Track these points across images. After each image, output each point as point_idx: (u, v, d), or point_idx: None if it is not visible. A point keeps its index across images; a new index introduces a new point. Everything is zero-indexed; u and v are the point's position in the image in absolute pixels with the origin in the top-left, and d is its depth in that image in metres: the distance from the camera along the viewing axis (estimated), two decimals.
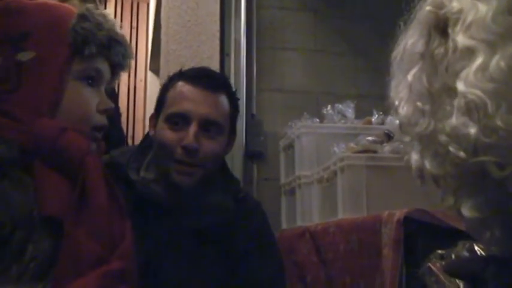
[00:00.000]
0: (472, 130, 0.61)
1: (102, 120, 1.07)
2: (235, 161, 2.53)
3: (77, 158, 0.95)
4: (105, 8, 5.54)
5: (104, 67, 1.07)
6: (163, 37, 2.64)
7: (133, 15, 5.59)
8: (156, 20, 4.00)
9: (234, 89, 1.48)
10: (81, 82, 1.03)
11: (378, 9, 2.91)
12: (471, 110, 0.61)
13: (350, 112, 2.45)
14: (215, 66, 2.46)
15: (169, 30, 2.49)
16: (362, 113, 2.50)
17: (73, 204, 0.92)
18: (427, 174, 0.71)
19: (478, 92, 0.60)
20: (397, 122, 0.78)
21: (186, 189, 1.33)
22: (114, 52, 1.07)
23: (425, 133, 0.69)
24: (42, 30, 1.00)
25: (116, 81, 1.19)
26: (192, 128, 1.32)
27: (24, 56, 0.98)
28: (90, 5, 1.08)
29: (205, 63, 2.44)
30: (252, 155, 2.67)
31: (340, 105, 2.47)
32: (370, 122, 2.38)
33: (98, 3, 2.96)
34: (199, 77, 1.40)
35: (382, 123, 2.31)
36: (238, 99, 1.50)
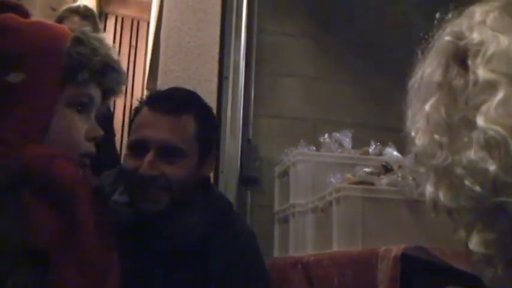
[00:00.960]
0: (492, 167, 0.59)
1: (90, 147, 1.03)
2: (229, 186, 2.50)
3: (67, 187, 0.92)
4: (105, 25, 5.56)
5: (96, 93, 1.04)
6: (161, 57, 2.62)
7: (133, 34, 5.61)
8: (155, 40, 4.00)
9: (205, 106, 1.43)
10: (71, 108, 0.99)
11: (378, 40, 2.91)
12: (491, 146, 0.60)
13: (347, 141, 2.43)
14: (213, 89, 2.45)
15: (168, 51, 2.48)
16: (359, 142, 2.47)
17: (60, 236, 0.88)
18: (441, 206, 0.70)
19: (499, 129, 0.59)
20: (413, 152, 0.76)
21: (155, 214, 1.30)
22: (108, 78, 1.04)
23: (442, 166, 0.68)
24: (35, 52, 0.96)
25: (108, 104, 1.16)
26: (149, 156, 1.29)
27: (14, 78, 0.94)
28: (87, 28, 1.05)
29: (203, 86, 2.42)
30: (247, 181, 2.63)
31: (337, 134, 2.44)
32: (367, 153, 2.35)
33: (98, 20, 2.96)
34: (160, 100, 1.37)
35: (380, 154, 2.29)
36: (211, 116, 1.45)
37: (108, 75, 1.03)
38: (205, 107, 1.43)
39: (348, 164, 2.21)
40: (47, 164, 0.91)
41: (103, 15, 5.62)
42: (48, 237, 0.87)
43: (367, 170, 1.96)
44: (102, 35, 1.08)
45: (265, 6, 2.87)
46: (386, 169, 1.97)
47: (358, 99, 2.89)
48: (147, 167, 1.28)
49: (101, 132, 1.04)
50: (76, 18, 2.57)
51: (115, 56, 1.05)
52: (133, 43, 5.59)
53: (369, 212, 1.83)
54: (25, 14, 1.02)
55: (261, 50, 2.84)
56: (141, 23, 5.71)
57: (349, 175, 1.97)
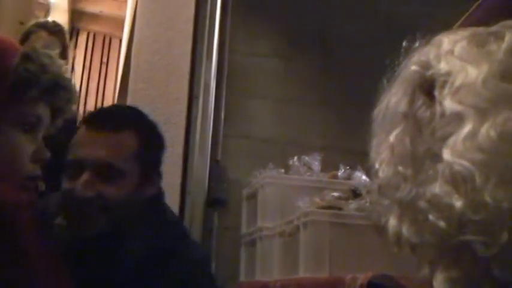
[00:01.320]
0: (458, 203, 0.57)
1: (35, 169, 0.98)
2: (196, 207, 2.45)
3: (6, 212, 0.85)
4: (77, 41, 5.50)
5: (45, 113, 0.98)
6: (131, 74, 2.58)
7: (104, 50, 5.57)
8: (127, 57, 3.96)
9: (149, 124, 1.35)
10: (17, 128, 0.94)
11: (349, 63, 2.92)
12: (457, 181, 0.58)
13: (316, 165, 2.42)
14: (183, 108, 2.42)
15: (138, 68, 2.45)
16: (328, 165, 2.47)
17: (3, 264, 0.82)
18: (404, 241, 0.67)
19: (466, 163, 0.57)
20: (377, 184, 0.74)
21: (91, 239, 1.22)
22: (57, 97, 0.98)
23: (406, 199, 0.66)
24: None
25: (57, 126, 1.09)
26: (84, 176, 1.21)
27: None
28: (39, 44, 0.99)
29: (172, 104, 2.40)
30: (214, 202, 2.59)
31: (306, 157, 2.44)
32: (336, 176, 2.35)
33: (67, 36, 2.91)
34: (97, 118, 1.31)
35: (349, 178, 2.28)
36: (155, 134, 1.36)
37: (58, 94, 0.98)
38: (149, 125, 1.36)
39: (317, 188, 2.20)
40: None
41: (75, 30, 5.57)
42: None
43: (335, 194, 1.95)
44: (55, 52, 1.01)
45: (237, 27, 2.87)
46: (355, 194, 1.96)
47: (328, 122, 2.89)
48: (82, 187, 1.20)
49: (48, 154, 0.99)
50: (44, 34, 2.52)
51: (67, 74, 1.01)
52: (105, 59, 5.55)
53: (337, 237, 1.81)
54: None
55: (232, 70, 2.83)
56: (113, 39, 5.67)
57: (317, 199, 1.95)
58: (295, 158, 2.43)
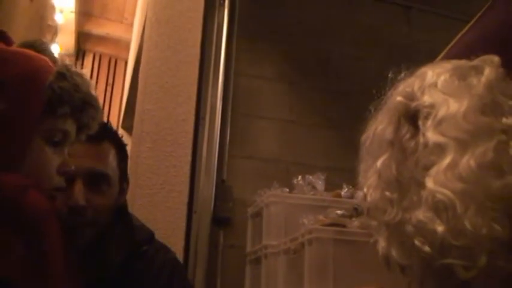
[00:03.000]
0: (439, 228, 0.61)
1: (61, 182, 1.03)
2: (202, 226, 2.50)
3: (37, 219, 0.91)
4: (83, 62, 5.57)
5: (72, 128, 1.03)
6: (139, 96, 2.64)
7: (110, 72, 5.63)
8: (133, 78, 4.02)
9: (118, 135, 1.41)
10: (47, 141, 0.98)
11: (351, 86, 2.99)
12: (439, 209, 0.61)
13: (320, 184, 2.46)
14: (189, 128, 2.47)
15: (147, 90, 2.50)
16: (332, 185, 2.51)
17: (28, 268, 0.87)
18: (393, 262, 0.72)
19: (447, 192, 0.61)
20: (365, 207, 0.78)
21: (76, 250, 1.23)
22: (85, 115, 1.04)
23: (393, 222, 0.70)
24: (18, 81, 0.94)
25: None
26: (77, 186, 1.24)
27: None
28: (69, 63, 1.05)
29: (179, 125, 2.45)
30: (220, 221, 2.63)
31: (310, 177, 2.48)
32: (339, 195, 2.39)
33: (54, 55, 2.96)
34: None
35: (352, 197, 2.33)
36: (126, 145, 1.43)
37: (86, 111, 1.03)
38: (118, 136, 1.42)
39: (321, 206, 2.24)
40: (20, 194, 0.89)
41: (81, 52, 5.65)
42: (16, 266, 0.85)
43: (339, 212, 1.99)
44: (83, 70, 1.08)
45: (242, 50, 2.93)
46: (358, 212, 2.00)
47: (331, 143, 2.94)
48: (78, 196, 1.23)
49: (73, 168, 1.04)
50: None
51: (94, 92, 1.05)
52: (110, 81, 5.61)
53: (341, 253, 1.85)
54: (8, 41, 1.02)
55: (238, 92, 2.88)
56: (118, 61, 5.74)
57: (321, 217, 1.99)
58: (299, 177, 2.48)
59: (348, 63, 3.10)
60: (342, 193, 2.37)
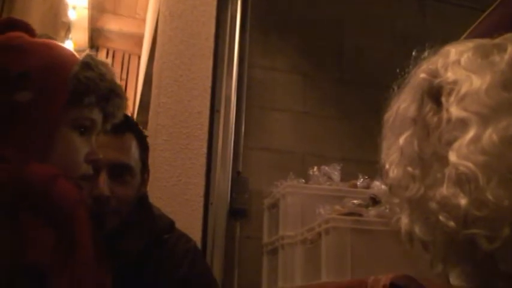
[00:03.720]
0: (463, 201, 0.62)
1: (88, 170, 1.04)
2: (218, 218, 2.51)
3: (67, 208, 0.92)
4: None
5: (98, 117, 1.05)
6: (154, 90, 2.66)
7: (123, 67, 5.66)
8: (147, 73, 4.04)
9: (139, 127, 1.43)
10: (74, 130, 1.00)
11: (366, 76, 2.99)
12: (462, 182, 0.62)
13: (336, 175, 2.47)
14: (205, 121, 2.48)
15: (161, 83, 2.52)
16: (347, 176, 2.52)
17: (59, 256, 0.88)
18: (417, 239, 0.72)
19: (470, 165, 0.61)
20: (387, 184, 0.78)
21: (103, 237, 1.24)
22: (111, 104, 1.05)
23: (415, 198, 0.70)
24: (43, 72, 0.96)
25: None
26: (102, 177, 1.26)
27: (22, 97, 0.94)
28: (93, 53, 1.06)
29: (195, 118, 2.46)
30: (236, 213, 2.65)
31: (326, 167, 2.49)
32: (355, 186, 2.39)
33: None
34: None
35: (368, 187, 2.33)
36: (147, 136, 1.45)
37: (112, 100, 1.04)
38: (139, 127, 1.44)
39: (337, 197, 2.25)
40: (49, 183, 0.91)
41: (94, 48, 5.68)
42: (46, 255, 0.87)
43: (355, 201, 2.00)
44: (107, 60, 1.09)
45: (256, 42, 2.94)
46: (374, 201, 2.01)
47: (346, 134, 2.95)
48: (103, 187, 1.25)
49: (100, 156, 1.05)
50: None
51: (118, 81, 1.07)
52: (124, 76, 5.64)
53: (358, 242, 1.85)
54: (32, 33, 1.02)
55: (252, 84, 2.89)
56: (131, 56, 5.77)
57: (337, 206, 2.00)
58: (315, 168, 2.48)
59: (362, 55, 3.10)
60: (358, 183, 2.38)
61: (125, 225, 1.32)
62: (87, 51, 1.06)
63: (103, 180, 1.27)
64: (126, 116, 1.44)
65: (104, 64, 1.04)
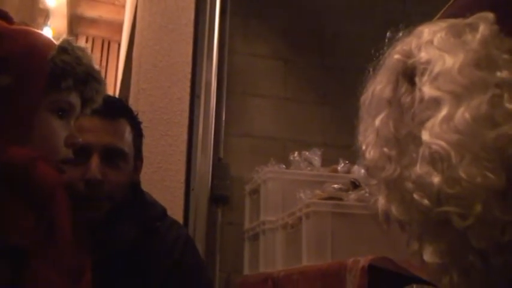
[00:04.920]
0: (436, 179, 0.62)
1: (68, 153, 1.04)
2: (199, 204, 2.51)
3: (47, 190, 0.93)
4: None
5: (77, 101, 1.05)
6: (134, 76, 2.63)
7: (103, 54, 5.62)
8: (127, 60, 4.01)
9: (133, 112, 1.42)
10: (52, 114, 1.00)
11: (347, 61, 2.99)
12: (435, 160, 0.63)
13: (317, 160, 2.47)
14: (185, 107, 2.47)
15: (141, 70, 2.50)
16: (328, 161, 2.52)
17: (38, 237, 0.89)
18: (393, 218, 0.73)
19: (443, 143, 0.62)
20: (364, 165, 0.79)
21: (92, 224, 1.24)
22: (89, 88, 1.05)
23: (392, 178, 0.71)
24: (21, 57, 0.97)
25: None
26: (94, 160, 1.26)
27: (1, 82, 0.94)
28: (71, 38, 1.06)
29: (175, 104, 2.45)
30: (217, 199, 2.65)
31: (307, 153, 2.49)
32: (336, 171, 2.40)
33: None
34: None
35: (348, 172, 2.34)
36: (141, 123, 1.45)
37: (90, 84, 1.05)
38: (134, 113, 1.43)
39: (318, 182, 2.25)
40: (29, 166, 0.91)
41: (74, 35, 5.62)
42: (26, 236, 0.88)
43: (336, 186, 2.01)
44: (85, 45, 1.09)
45: (236, 27, 2.93)
46: (355, 185, 2.02)
47: (327, 119, 2.96)
48: (95, 170, 1.25)
49: (80, 140, 1.06)
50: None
51: (96, 66, 1.07)
52: (104, 63, 5.60)
53: (338, 226, 1.86)
54: (9, 20, 1.02)
55: (232, 70, 2.89)
56: (111, 43, 5.72)
57: (318, 191, 2.01)
58: (296, 153, 2.49)
59: (343, 40, 3.10)
60: (339, 168, 2.39)
61: (117, 213, 1.31)
62: (64, 37, 1.06)
63: (95, 163, 1.26)
64: (121, 101, 1.45)
65: (81, 49, 1.04)
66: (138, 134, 1.41)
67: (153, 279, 1.33)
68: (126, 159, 1.33)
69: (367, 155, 0.76)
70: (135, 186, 1.42)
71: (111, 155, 1.30)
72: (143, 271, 1.33)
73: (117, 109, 1.36)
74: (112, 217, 1.30)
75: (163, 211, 1.48)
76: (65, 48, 1.01)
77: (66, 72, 0.99)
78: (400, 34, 0.78)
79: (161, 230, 1.41)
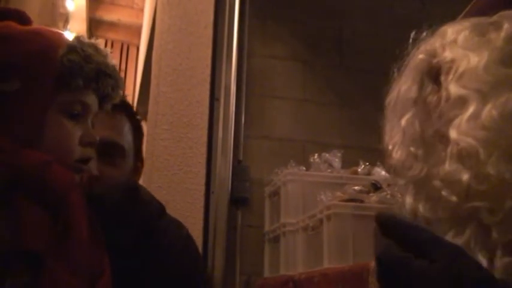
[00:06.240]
0: (465, 176, 0.62)
1: (86, 152, 1.03)
2: (219, 206, 2.51)
3: (61, 192, 0.92)
4: None
5: (91, 100, 1.03)
6: (153, 79, 2.65)
7: (122, 57, 5.65)
8: (146, 63, 4.03)
9: (134, 111, 1.37)
10: (64, 115, 0.99)
11: (366, 62, 2.97)
12: (463, 157, 0.63)
13: (337, 162, 2.46)
14: (204, 110, 2.48)
15: (161, 73, 2.51)
16: (348, 163, 2.51)
17: (54, 239, 0.89)
18: (420, 217, 0.72)
19: (470, 140, 0.62)
20: (391, 165, 0.79)
21: None
22: (102, 85, 1.03)
23: (419, 177, 0.71)
24: (30, 60, 0.96)
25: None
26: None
27: (9, 87, 0.94)
28: (82, 35, 1.04)
29: (194, 107, 2.46)
30: (237, 201, 2.65)
31: (327, 155, 2.48)
32: (356, 172, 2.39)
33: None
34: None
35: (369, 173, 2.33)
36: (141, 120, 1.39)
37: (102, 81, 1.02)
38: (134, 111, 1.38)
39: (338, 184, 2.24)
40: (42, 169, 0.91)
41: (93, 39, 5.66)
42: (42, 239, 0.88)
43: (356, 188, 2.00)
44: (98, 41, 1.06)
45: (255, 30, 2.93)
46: (376, 187, 2.01)
47: (346, 121, 2.94)
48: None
49: (97, 138, 1.04)
50: None
51: (111, 62, 1.04)
52: (123, 67, 5.63)
53: (359, 228, 1.85)
54: (26, 21, 1.02)
55: (251, 72, 2.89)
56: (130, 47, 5.76)
57: (339, 193, 2.00)
58: (316, 155, 2.48)
59: (361, 41, 3.08)
60: (359, 170, 2.38)
61: (112, 217, 1.22)
62: (76, 34, 1.04)
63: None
64: (121, 99, 1.41)
65: (92, 46, 1.01)
66: (138, 134, 1.36)
67: (148, 285, 1.26)
68: (124, 155, 1.28)
69: (394, 155, 0.76)
70: (130, 190, 1.30)
71: (109, 150, 1.24)
72: (138, 276, 1.27)
73: (116, 104, 1.26)
74: (106, 219, 1.20)
75: (160, 209, 1.36)
76: (73, 47, 0.99)
77: (74, 72, 0.97)
78: (424, 34, 0.78)
79: (158, 230, 1.30)
